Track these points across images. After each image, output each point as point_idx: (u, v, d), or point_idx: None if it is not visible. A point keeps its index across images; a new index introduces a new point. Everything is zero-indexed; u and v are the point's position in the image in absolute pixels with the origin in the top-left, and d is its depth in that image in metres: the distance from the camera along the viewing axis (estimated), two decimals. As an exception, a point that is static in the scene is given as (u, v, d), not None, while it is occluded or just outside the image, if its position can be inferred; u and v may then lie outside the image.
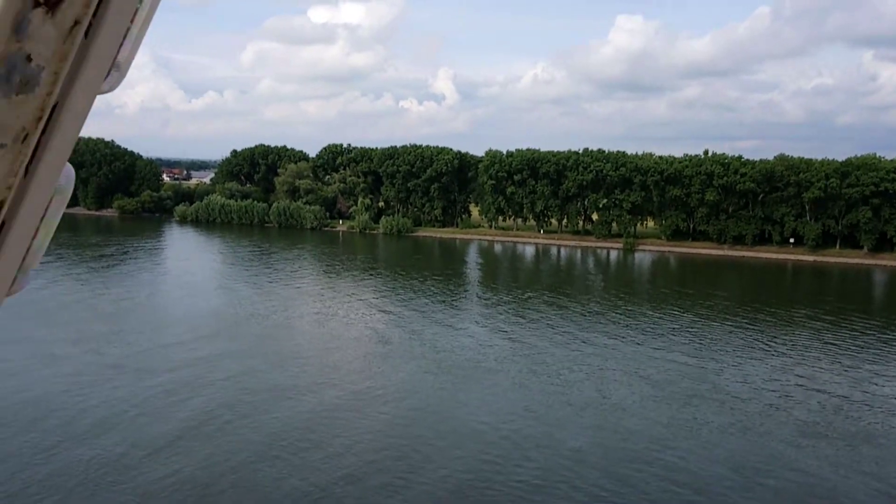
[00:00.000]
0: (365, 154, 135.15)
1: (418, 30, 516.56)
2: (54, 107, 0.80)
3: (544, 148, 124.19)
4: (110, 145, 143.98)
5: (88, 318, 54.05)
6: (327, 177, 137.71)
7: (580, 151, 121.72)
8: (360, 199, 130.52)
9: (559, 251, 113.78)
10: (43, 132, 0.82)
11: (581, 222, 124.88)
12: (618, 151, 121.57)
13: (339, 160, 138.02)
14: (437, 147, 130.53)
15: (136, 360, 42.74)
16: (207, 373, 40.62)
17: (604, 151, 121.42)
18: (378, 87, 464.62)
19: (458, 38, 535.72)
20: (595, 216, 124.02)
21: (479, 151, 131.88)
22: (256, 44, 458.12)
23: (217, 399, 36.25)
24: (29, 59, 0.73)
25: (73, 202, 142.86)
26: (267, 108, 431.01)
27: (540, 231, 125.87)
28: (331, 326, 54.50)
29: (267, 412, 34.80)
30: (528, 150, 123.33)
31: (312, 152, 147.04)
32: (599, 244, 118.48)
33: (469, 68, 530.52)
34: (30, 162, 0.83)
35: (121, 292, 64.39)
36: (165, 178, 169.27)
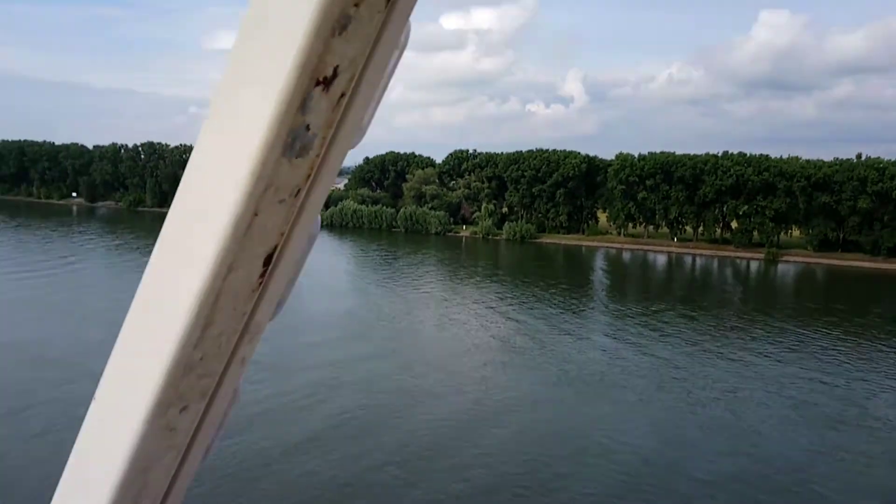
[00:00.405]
0: (490, 159, 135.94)
1: (548, 32, 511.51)
2: (319, 165, 0.97)
3: (679, 151, 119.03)
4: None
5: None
6: (452, 182, 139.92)
7: (719, 154, 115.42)
8: (484, 205, 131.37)
9: (694, 260, 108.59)
10: (308, 187, 0.98)
11: (719, 230, 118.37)
12: (760, 155, 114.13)
13: (464, 165, 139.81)
14: (564, 151, 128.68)
15: (277, 358, 45.61)
16: (341, 374, 42.66)
17: (745, 154, 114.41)
18: (505, 90, 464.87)
19: (590, 38, 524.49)
20: (734, 224, 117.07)
21: (608, 154, 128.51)
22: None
23: (350, 401, 37.99)
24: (308, 128, 0.89)
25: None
26: (398, 116, 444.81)
27: (673, 239, 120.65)
28: (454, 332, 55.37)
29: (396, 416, 36.03)
30: (661, 153, 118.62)
31: (439, 157, 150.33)
32: (739, 254, 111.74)
33: (599, 69, 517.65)
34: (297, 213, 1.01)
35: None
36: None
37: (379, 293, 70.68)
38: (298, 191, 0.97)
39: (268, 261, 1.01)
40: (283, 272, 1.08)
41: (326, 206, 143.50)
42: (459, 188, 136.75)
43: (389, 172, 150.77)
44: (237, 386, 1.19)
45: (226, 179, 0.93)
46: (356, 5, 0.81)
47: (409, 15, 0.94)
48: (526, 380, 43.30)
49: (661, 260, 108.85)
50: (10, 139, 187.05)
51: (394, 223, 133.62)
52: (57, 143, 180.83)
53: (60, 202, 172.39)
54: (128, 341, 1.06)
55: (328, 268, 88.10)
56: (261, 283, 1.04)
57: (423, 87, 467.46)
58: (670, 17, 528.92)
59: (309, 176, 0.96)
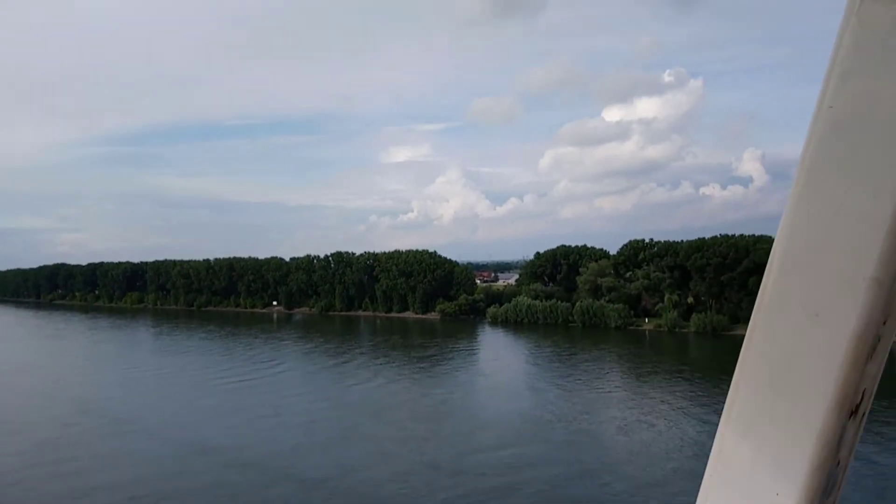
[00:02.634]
0: (669, 248, 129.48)
1: (719, 113, 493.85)
2: None
3: None
4: (434, 255, 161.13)
5: (412, 418, 58.63)
6: (629, 273, 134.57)
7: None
8: (667, 296, 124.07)
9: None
10: None
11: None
12: None
13: (641, 256, 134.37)
14: (753, 236, 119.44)
15: (451, 462, 44.54)
16: (513, 480, 40.36)
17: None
18: (675, 175, 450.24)
19: (766, 116, 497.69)
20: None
21: None
22: (553, 149, 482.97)
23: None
24: (837, 464, 0.86)
25: (403, 307, 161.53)
26: (563, 209, 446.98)
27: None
28: (638, 435, 50.83)
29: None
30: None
31: (608, 246, 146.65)
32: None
33: (779, 146, 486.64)
34: None
35: (440, 393, 68.99)
36: (477, 281, 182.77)
37: (556, 392, 67.71)
38: None
39: None
40: None
41: (500, 302, 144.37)
42: (638, 279, 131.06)
43: (561, 266, 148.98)
44: None
45: None
46: (884, 322, 0.76)
47: None
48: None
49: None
50: (221, 257, 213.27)
51: (570, 318, 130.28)
52: (260, 258, 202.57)
53: (263, 310, 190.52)
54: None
55: (504, 367, 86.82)
56: None
57: (586, 178, 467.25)
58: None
59: None
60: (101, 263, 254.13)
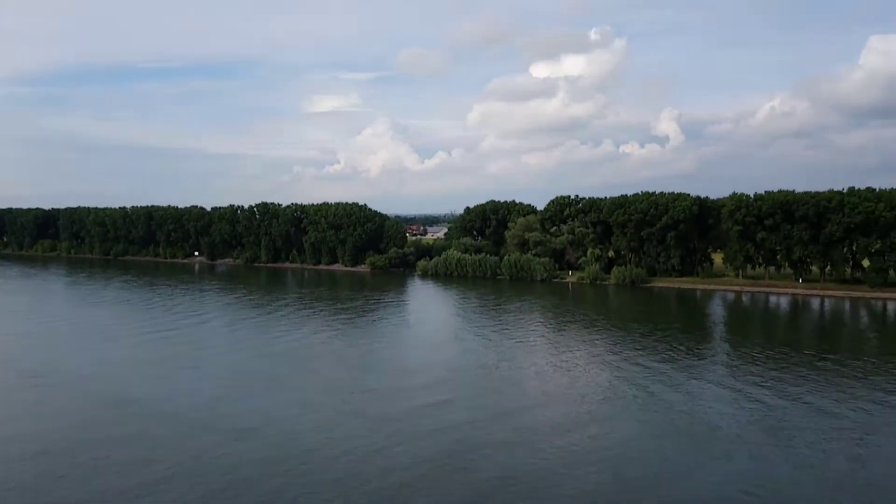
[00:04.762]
0: (593, 204, 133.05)
1: (640, 74, 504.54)
2: None
3: (783, 184, 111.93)
4: (364, 209, 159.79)
5: (336, 368, 58.97)
6: (555, 228, 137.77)
7: (844, 191, 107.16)
8: (590, 250, 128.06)
9: (822, 302, 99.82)
10: None
11: (849, 270, 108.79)
12: (892, 189, 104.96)
13: (566, 211, 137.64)
14: (673, 193, 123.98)
15: (376, 409, 45.25)
16: (432, 422, 41.49)
17: (874, 190, 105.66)
18: (598, 134, 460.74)
19: (684, 78, 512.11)
20: (866, 263, 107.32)
21: (708, 192, 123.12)
22: (482, 104, 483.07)
23: (436, 451, 36.63)
24: None
25: (333, 259, 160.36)
26: (490, 164, 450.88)
27: (798, 280, 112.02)
28: (556, 381, 52.94)
29: (481, 469, 34.28)
30: (779, 191, 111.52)
31: (535, 202, 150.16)
32: (873, 294, 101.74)
33: (695, 107, 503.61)
34: None
35: (366, 343, 69.45)
36: (407, 235, 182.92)
37: (480, 342, 69.36)
38: None
39: None
40: None
41: (430, 255, 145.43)
42: (563, 234, 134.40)
43: (490, 221, 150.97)
44: None
45: None
46: None
47: None
48: (627, 430, 40.27)
49: (785, 302, 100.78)
50: (138, 205, 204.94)
51: (498, 271, 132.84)
52: (180, 206, 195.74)
53: (184, 261, 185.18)
54: None
55: (431, 318, 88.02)
56: None
57: (514, 135, 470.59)
58: (767, 52, 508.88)
59: None
60: (10, 210, 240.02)
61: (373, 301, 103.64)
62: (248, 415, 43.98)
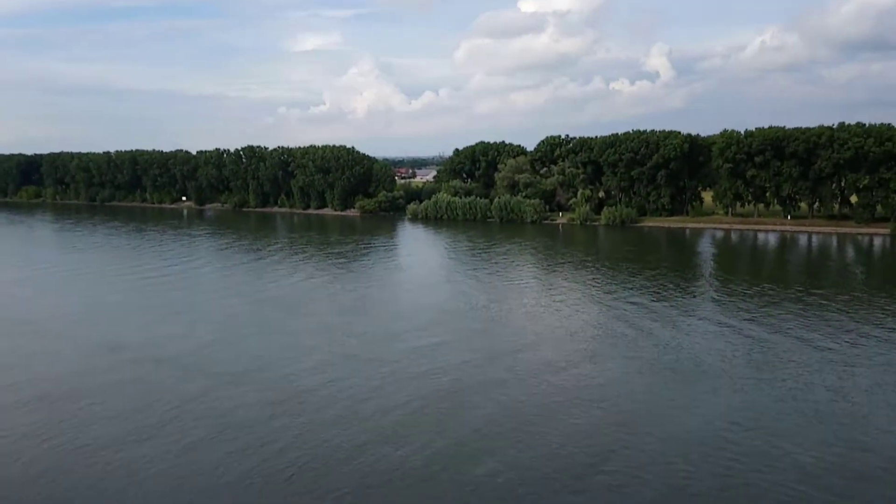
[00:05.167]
0: (584, 144, 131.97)
1: (630, 8, 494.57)
2: None
3: (775, 119, 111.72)
4: (352, 152, 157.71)
5: (329, 312, 59.30)
6: (545, 169, 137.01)
7: (834, 126, 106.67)
8: (581, 191, 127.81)
9: (810, 238, 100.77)
10: None
11: (837, 206, 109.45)
12: (882, 124, 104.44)
13: (557, 152, 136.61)
14: (664, 131, 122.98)
15: (368, 352, 45.74)
16: (425, 364, 42.07)
17: (863, 125, 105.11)
18: (587, 70, 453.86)
19: (674, 12, 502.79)
20: (854, 199, 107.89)
21: (697, 128, 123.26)
22: (469, 41, 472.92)
23: (431, 390, 37.26)
24: None
25: (322, 204, 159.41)
26: (478, 103, 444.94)
27: (787, 217, 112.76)
28: (546, 321, 53.57)
29: (474, 406, 34.96)
30: (770, 128, 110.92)
31: (523, 142, 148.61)
32: (860, 230, 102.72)
33: (685, 42, 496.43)
34: None
35: (358, 287, 69.71)
36: (396, 178, 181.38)
37: (471, 284, 69.78)
38: None
39: None
40: None
41: (420, 199, 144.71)
42: (553, 175, 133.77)
43: (480, 163, 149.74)
44: None
45: None
46: None
47: None
48: (617, 368, 41.04)
49: (774, 239, 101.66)
50: (122, 149, 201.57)
51: (488, 213, 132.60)
52: (164, 150, 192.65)
53: (172, 206, 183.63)
54: None
55: (422, 261, 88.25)
56: None
57: (502, 72, 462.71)
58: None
59: None
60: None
61: (363, 245, 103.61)
62: (242, 359, 44.37)
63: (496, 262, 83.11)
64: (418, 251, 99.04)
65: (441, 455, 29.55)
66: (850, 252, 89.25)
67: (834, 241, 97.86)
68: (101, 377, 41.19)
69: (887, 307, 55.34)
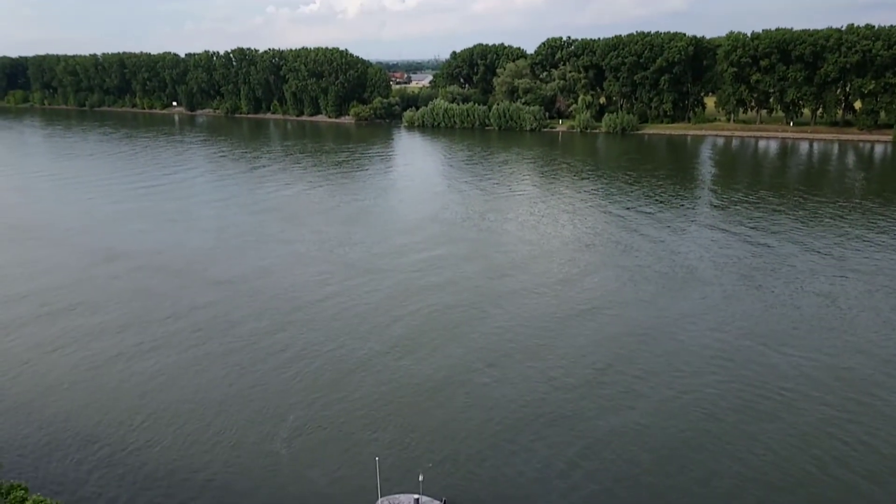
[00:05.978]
0: (586, 46, 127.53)
1: None
2: None
3: (777, 20, 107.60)
4: (345, 55, 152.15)
5: (326, 222, 59.05)
6: (545, 74, 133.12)
7: (843, 28, 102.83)
8: (581, 97, 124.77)
9: (812, 146, 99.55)
10: None
11: (840, 112, 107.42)
12: (891, 26, 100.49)
13: (558, 55, 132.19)
14: (669, 33, 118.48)
15: (366, 261, 45.95)
16: (422, 276, 42.43)
17: (872, 27, 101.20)
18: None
19: None
20: (858, 105, 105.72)
21: (698, 30, 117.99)
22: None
23: (433, 304, 37.76)
24: None
25: (315, 110, 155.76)
26: (475, 1, 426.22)
27: (789, 123, 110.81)
28: (541, 229, 53.55)
29: (479, 318, 35.55)
30: (777, 30, 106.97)
31: (523, 44, 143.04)
32: (862, 137, 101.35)
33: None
34: None
35: (355, 198, 69.10)
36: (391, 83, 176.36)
37: (468, 194, 69.34)
38: None
39: None
40: None
41: (416, 105, 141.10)
42: (554, 80, 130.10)
43: (478, 66, 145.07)
44: None
45: None
46: None
47: None
48: (613, 277, 41.44)
49: (775, 146, 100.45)
50: (109, 52, 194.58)
51: (486, 121, 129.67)
52: (152, 53, 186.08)
53: (163, 111, 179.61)
54: None
55: (419, 171, 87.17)
56: None
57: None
58: None
59: None
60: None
61: (360, 154, 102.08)
62: (241, 266, 44.59)
63: (495, 171, 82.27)
64: (416, 161, 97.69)
65: (444, 372, 30.24)
66: (851, 159, 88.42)
67: (835, 148, 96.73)
68: (101, 285, 41.53)
69: (883, 213, 55.36)
